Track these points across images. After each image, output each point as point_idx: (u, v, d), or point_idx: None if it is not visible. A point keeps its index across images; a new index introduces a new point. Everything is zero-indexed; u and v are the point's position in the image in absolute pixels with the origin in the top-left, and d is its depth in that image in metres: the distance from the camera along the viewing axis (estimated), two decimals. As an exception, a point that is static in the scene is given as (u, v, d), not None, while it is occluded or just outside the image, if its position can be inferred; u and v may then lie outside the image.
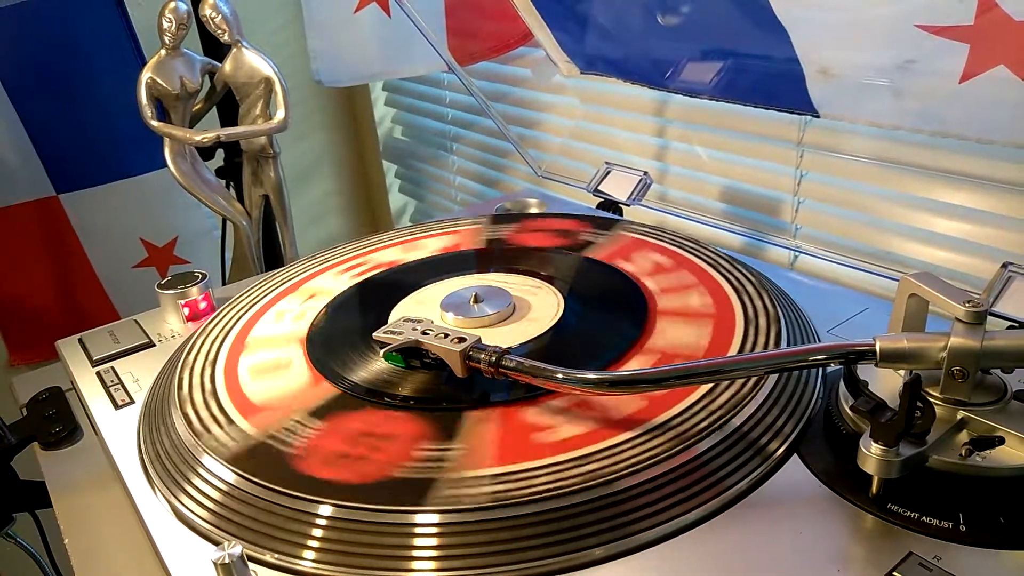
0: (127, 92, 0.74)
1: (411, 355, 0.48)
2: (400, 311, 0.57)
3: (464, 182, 1.31)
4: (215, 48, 0.82)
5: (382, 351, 0.48)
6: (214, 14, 0.74)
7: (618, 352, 0.49)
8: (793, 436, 0.42)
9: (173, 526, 0.41)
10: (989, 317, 0.38)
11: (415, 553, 0.37)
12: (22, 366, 1.13)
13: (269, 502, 0.40)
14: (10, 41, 0.97)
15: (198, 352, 0.54)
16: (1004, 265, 0.51)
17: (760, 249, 0.82)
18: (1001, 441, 0.37)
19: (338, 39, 1.15)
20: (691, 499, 0.38)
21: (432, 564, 0.36)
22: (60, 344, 0.62)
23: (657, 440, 0.40)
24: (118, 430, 0.50)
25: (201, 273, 0.64)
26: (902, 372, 0.41)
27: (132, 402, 0.53)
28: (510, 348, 0.45)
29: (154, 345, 0.60)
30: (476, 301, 0.54)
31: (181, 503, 0.42)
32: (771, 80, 0.67)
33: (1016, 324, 0.48)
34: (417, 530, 0.37)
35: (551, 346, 0.51)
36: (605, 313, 0.55)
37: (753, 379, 0.44)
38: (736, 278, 0.56)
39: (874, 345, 0.38)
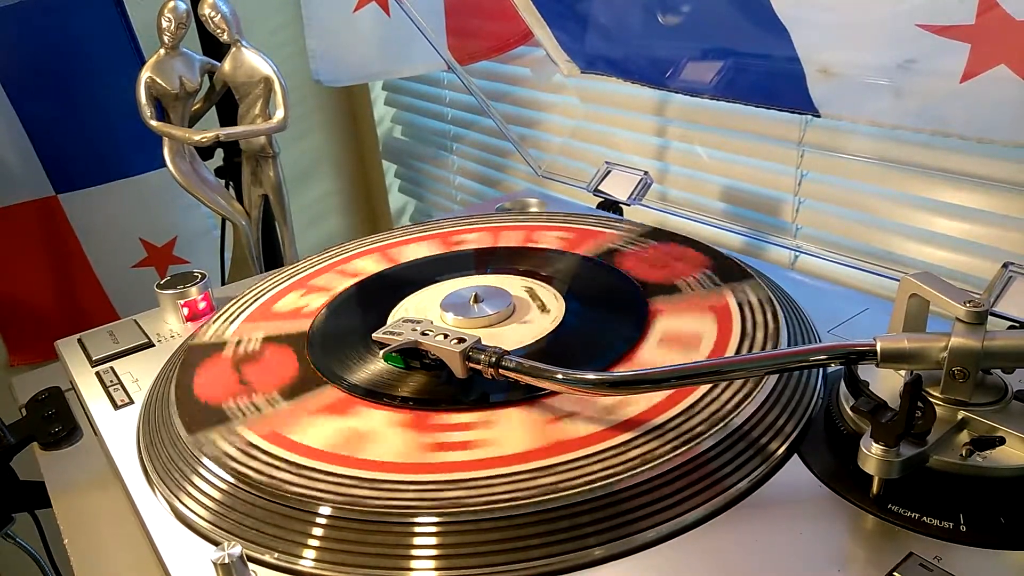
0: (126, 92, 0.74)
1: (411, 356, 0.48)
2: (400, 311, 0.56)
3: (464, 182, 1.31)
4: (214, 47, 0.82)
5: (382, 352, 0.48)
6: (213, 13, 0.74)
7: (618, 352, 0.49)
8: (794, 436, 0.42)
9: (173, 526, 0.41)
10: (990, 317, 0.38)
11: (415, 553, 0.37)
12: (22, 366, 1.13)
13: (269, 502, 0.40)
14: (9, 41, 0.97)
15: (198, 351, 0.54)
16: (1005, 265, 0.51)
17: (761, 249, 0.82)
18: (1002, 441, 0.37)
19: (337, 38, 1.15)
20: (692, 499, 0.38)
21: (432, 564, 0.36)
22: (59, 344, 0.62)
23: (657, 440, 0.40)
24: (118, 430, 0.50)
25: (200, 273, 0.64)
26: (903, 372, 0.41)
27: (131, 402, 0.53)
28: (510, 349, 0.45)
29: (153, 345, 0.60)
30: (476, 301, 0.54)
31: (181, 503, 0.42)
32: (772, 79, 0.67)
33: (1017, 324, 0.48)
34: (417, 530, 0.37)
35: (551, 347, 0.50)
36: (605, 314, 0.55)
37: (753, 379, 0.44)
38: (737, 277, 0.56)
39: (875, 345, 0.38)
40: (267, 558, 0.38)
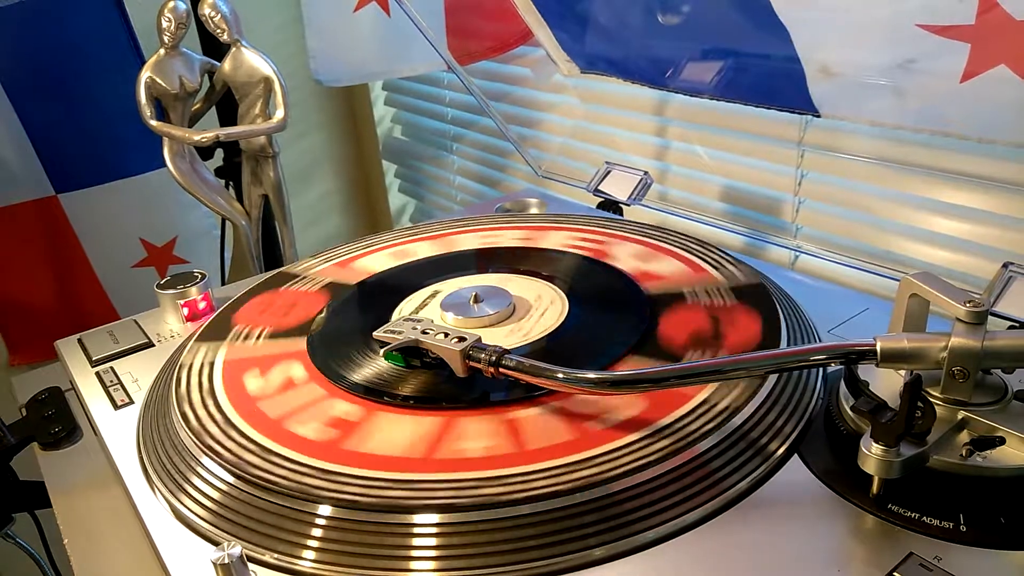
0: (126, 92, 0.74)
1: (411, 354, 0.48)
2: (400, 311, 0.56)
3: (464, 182, 1.31)
4: (214, 47, 0.82)
5: (382, 350, 0.48)
6: (213, 13, 0.74)
7: (618, 352, 0.49)
8: (794, 436, 0.42)
9: (173, 526, 0.41)
10: (990, 317, 0.38)
11: (415, 553, 0.37)
12: (22, 366, 1.13)
13: (269, 502, 0.40)
14: (9, 41, 0.97)
15: (197, 352, 0.54)
16: (1005, 265, 0.51)
17: (761, 249, 0.82)
18: (1002, 441, 0.37)
19: (337, 38, 1.15)
20: (691, 499, 0.38)
21: (432, 564, 0.36)
22: (59, 344, 0.62)
23: (657, 440, 0.40)
24: (117, 430, 0.50)
25: (200, 273, 0.64)
26: (903, 372, 0.41)
27: (131, 402, 0.53)
28: (510, 348, 0.45)
29: (153, 345, 0.60)
30: (476, 301, 0.54)
31: (181, 503, 0.42)
32: (772, 79, 0.67)
33: (1017, 324, 0.48)
34: (417, 530, 0.37)
35: (551, 346, 0.50)
36: (606, 313, 0.55)
37: (754, 379, 0.44)
38: (737, 277, 0.56)
39: (875, 345, 0.38)
40: (267, 558, 0.38)
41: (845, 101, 0.63)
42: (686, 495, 0.38)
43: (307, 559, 0.37)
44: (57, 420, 0.54)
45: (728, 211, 0.85)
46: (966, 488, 0.37)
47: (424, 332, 0.47)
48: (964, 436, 0.38)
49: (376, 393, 0.47)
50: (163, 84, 0.74)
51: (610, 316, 0.54)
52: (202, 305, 0.63)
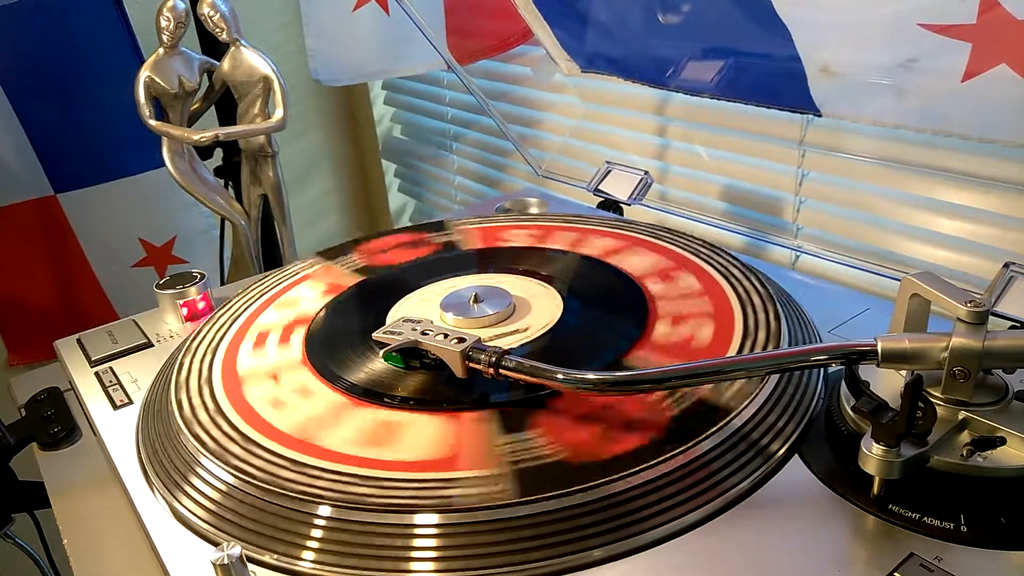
0: (126, 91, 0.74)
1: (411, 355, 0.47)
2: (400, 311, 0.56)
3: (464, 182, 1.31)
4: (213, 47, 0.82)
5: (381, 351, 0.48)
6: (212, 12, 0.74)
7: (618, 353, 0.49)
8: (794, 437, 0.42)
9: (172, 527, 0.41)
10: (991, 317, 0.38)
11: (415, 554, 0.37)
12: (21, 366, 1.13)
13: (268, 502, 0.40)
14: (8, 40, 0.97)
15: (196, 352, 0.54)
16: (1006, 265, 0.51)
17: (761, 249, 0.82)
18: (1003, 441, 0.37)
19: (337, 38, 1.15)
20: (692, 500, 0.38)
21: (432, 564, 0.36)
22: (58, 344, 0.62)
23: (658, 440, 0.40)
24: (117, 430, 0.50)
25: (200, 273, 0.64)
26: (903, 372, 0.41)
27: (131, 402, 0.53)
28: (510, 348, 0.45)
29: (152, 345, 0.60)
30: (476, 301, 0.54)
31: (180, 503, 0.42)
32: (772, 79, 0.66)
33: (1018, 324, 0.48)
34: (417, 530, 0.37)
35: (551, 346, 0.50)
36: (605, 313, 0.55)
37: (754, 379, 0.44)
38: (736, 278, 0.56)
39: (876, 345, 0.38)
40: (267, 558, 0.38)
41: (846, 100, 0.63)
42: (686, 496, 0.38)
43: (307, 559, 0.37)
44: (56, 420, 0.54)
45: (729, 211, 0.85)
46: (967, 488, 0.36)
47: (424, 333, 0.47)
48: (965, 436, 0.38)
49: (375, 395, 0.47)
50: (162, 83, 0.74)
51: (610, 316, 0.54)
52: (201, 305, 0.63)
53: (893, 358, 0.38)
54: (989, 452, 0.37)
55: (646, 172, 0.77)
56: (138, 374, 0.56)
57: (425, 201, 1.43)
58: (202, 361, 0.53)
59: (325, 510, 0.38)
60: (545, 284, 0.58)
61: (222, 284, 0.96)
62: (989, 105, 0.53)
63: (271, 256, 0.89)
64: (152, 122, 0.74)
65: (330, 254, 0.68)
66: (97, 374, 0.57)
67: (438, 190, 1.37)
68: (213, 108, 0.83)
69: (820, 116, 0.65)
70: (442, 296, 0.56)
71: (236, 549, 0.34)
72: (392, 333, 0.48)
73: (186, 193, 0.79)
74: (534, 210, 0.79)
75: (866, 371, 0.40)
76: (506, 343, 0.49)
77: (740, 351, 0.48)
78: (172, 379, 0.51)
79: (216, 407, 0.48)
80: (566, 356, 0.48)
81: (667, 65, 0.76)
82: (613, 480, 0.38)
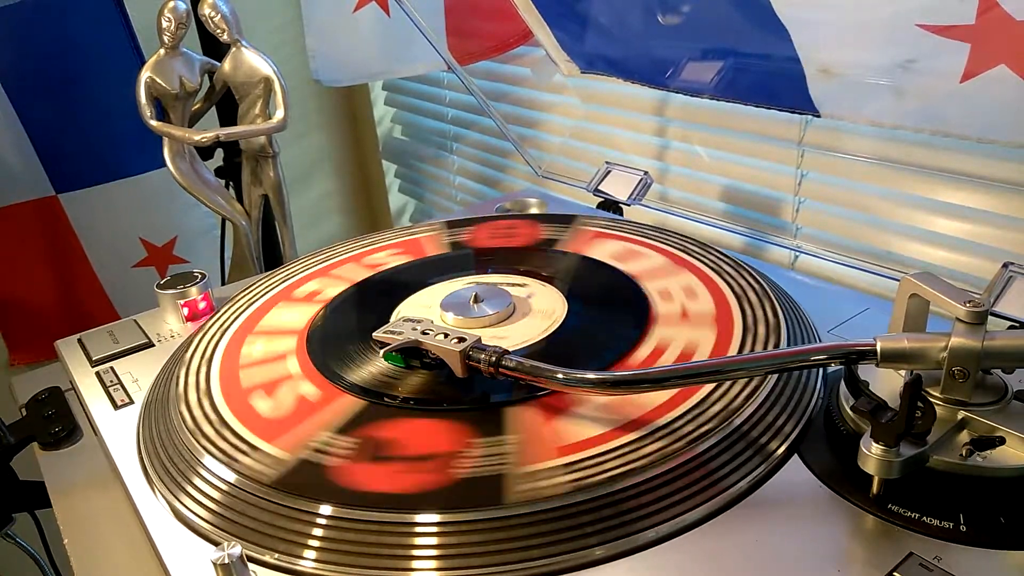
0: (126, 92, 0.74)
1: (411, 355, 0.48)
2: (401, 311, 0.56)
3: (464, 182, 1.31)
4: (214, 47, 0.82)
5: (382, 351, 0.48)
6: (213, 13, 0.74)
7: (618, 352, 0.49)
8: (794, 436, 0.42)
9: (173, 526, 0.41)
10: (990, 317, 0.38)
11: (415, 553, 0.37)
12: (22, 366, 1.13)
13: (269, 502, 0.40)
14: (9, 41, 0.97)
15: (197, 352, 0.54)
16: (1005, 265, 0.51)
17: (761, 249, 0.82)
18: (1002, 441, 0.37)
19: (337, 38, 1.15)
20: (692, 499, 0.38)
21: (432, 564, 0.36)
22: (59, 344, 0.62)
23: (658, 440, 0.40)
24: (117, 430, 0.50)
25: (200, 273, 0.64)
26: (903, 372, 0.41)
27: (131, 402, 0.53)
28: (510, 348, 0.45)
29: (153, 345, 0.60)
30: (476, 301, 0.54)
31: (181, 503, 0.42)
32: (772, 79, 0.67)
33: (1017, 324, 0.48)
34: (417, 530, 0.37)
35: (551, 347, 0.50)
36: (605, 313, 0.55)
37: (754, 379, 0.44)
38: (736, 278, 0.56)
39: (875, 345, 0.38)
40: (267, 558, 0.38)
41: (845, 101, 0.63)
42: (686, 495, 0.38)
43: (307, 559, 0.37)
44: (57, 420, 0.54)
45: (728, 211, 0.85)
46: (966, 488, 0.37)
47: (424, 333, 0.47)
48: (964, 436, 0.38)
49: (375, 394, 0.47)
50: (163, 84, 0.74)
51: (610, 316, 0.54)
52: (202, 305, 0.63)
53: (892, 358, 0.38)
54: (988, 452, 0.37)
55: (646, 172, 0.77)
56: (139, 374, 0.56)
57: (425, 201, 1.44)
58: (203, 361, 0.53)
59: (326, 509, 0.38)
60: (546, 283, 0.58)
61: (223, 284, 0.96)
62: (988, 106, 0.53)
63: (272, 256, 0.89)
64: (153, 123, 0.75)
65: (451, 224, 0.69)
66: (98, 374, 0.57)
67: (438, 190, 1.38)
68: (214, 109, 0.84)
69: (819, 116, 0.65)
70: (442, 296, 0.56)
71: (237, 549, 0.34)
72: (392, 332, 0.48)
73: (187, 193, 0.79)
74: (534, 210, 0.80)
75: (865, 371, 0.40)
76: (506, 343, 0.49)
77: (740, 351, 0.48)
78: (173, 379, 0.51)
79: (217, 407, 0.48)
80: (566, 356, 0.48)
81: (666, 66, 0.76)
82: (614, 479, 0.38)
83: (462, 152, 1.29)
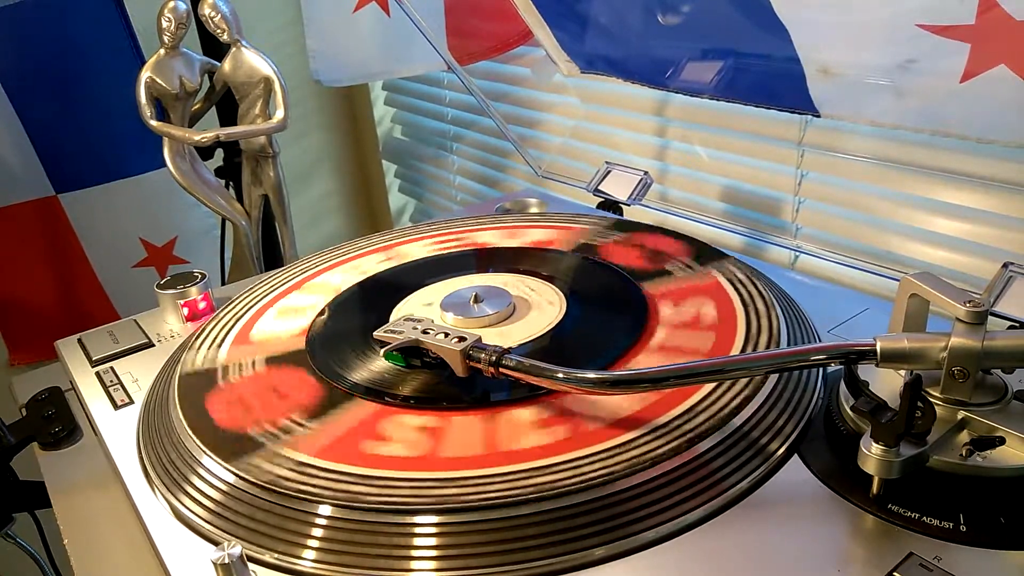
0: (126, 92, 0.74)
1: (411, 354, 0.48)
2: (401, 311, 0.56)
3: (464, 182, 1.31)
4: (214, 47, 0.82)
5: (382, 350, 0.48)
6: (213, 13, 0.74)
7: (618, 352, 0.49)
8: (794, 436, 0.42)
9: (173, 526, 0.41)
10: (990, 317, 0.38)
11: (415, 553, 0.37)
12: (22, 366, 1.13)
13: (269, 502, 0.40)
14: (9, 41, 0.97)
15: (197, 352, 0.54)
16: (1005, 265, 0.51)
17: (761, 249, 0.82)
18: (1002, 441, 0.37)
19: (337, 39, 1.15)
20: (692, 499, 0.38)
21: (432, 564, 0.36)
22: (59, 344, 0.62)
23: (658, 440, 0.40)
24: (117, 430, 0.50)
25: (200, 273, 0.64)
26: (903, 372, 0.41)
27: (131, 402, 0.53)
28: (510, 348, 0.45)
29: (153, 345, 0.60)
30: (476, 301, 0.54)
31: (181, 503, 0.42)
32: (772, 79, 0.67)
33: (1017, 324, 0.48)
34: (417, 530, 0.37)
35: (551, 346, 0.50)
36: (605, 313, 0.55)
37: (754, 379, 0.44)
38: (736, 278, 0.56)
39: (875, 345, 0.38)
40: (267, 558, 0.38)
41: (845, 101, 0.63)
42: (686, 495, 0.38)
43: (307, 559, 0.37)
44: (57, 420, 0.54)
45: (728, 211, 0.85)
46: (966, 488, 0.37)
47: (424, 332, 0.47)
48: (964, 436, 0.38)
49: (375, 393, 0.47)
50: (163, 84, 0.74)
51: (610, 316, 0.54)
52: (202, 305, 0.63)
53: (892, 358, 0.39)
54: (988, 452, 0.37)
55: (646, 172, 0.77)
56: (139, 374, 0.56)
57: (425, 201, 1.44)
58: (203, 361, 0.53)
59: (325, 509, 0.38)
60: (546, 283, 0.58)
61: (223, 284, 0.97)
62: (988, 106, 0.53)
63: (272, 256, 0.89)
64: (153, 123, 0.75)
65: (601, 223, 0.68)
66: (98, 374, 0.57)
67: (438, 190, 1.38)
68: (214, 108, 0.84)
69: (819, 117, 0.65)
70: (442, 296, 0.56)
71: (236, 548, 0.34)
72: (393, 332, 0.48)
73: (187, 193, 0.79)
74: (534, 210, 0.80)
75: (865, 371, 0.40)
76: (506, 343, 0.49)
77: (740, 351, 0.48)
78: (173, 379, 0.51)
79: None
80: (566, 356, 0.48)
81: (667, 66, 0.76)
82: (614, 479, 0.38)
83: (462, 152, 1.29)
